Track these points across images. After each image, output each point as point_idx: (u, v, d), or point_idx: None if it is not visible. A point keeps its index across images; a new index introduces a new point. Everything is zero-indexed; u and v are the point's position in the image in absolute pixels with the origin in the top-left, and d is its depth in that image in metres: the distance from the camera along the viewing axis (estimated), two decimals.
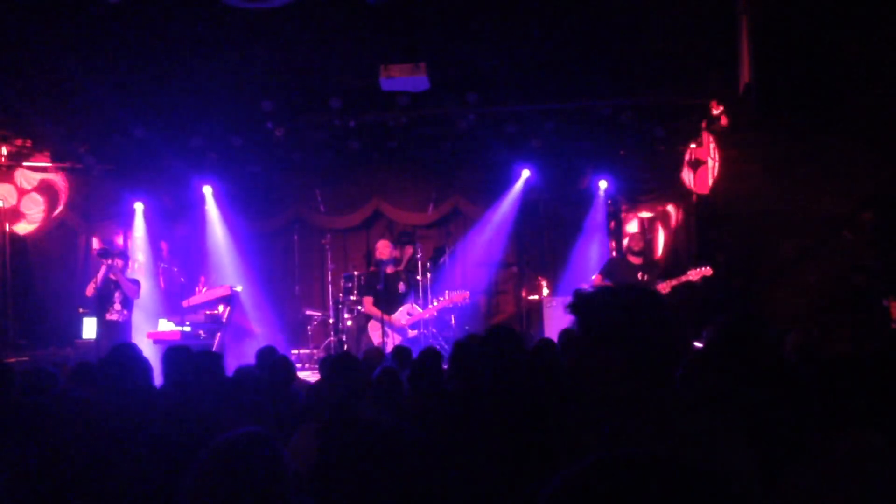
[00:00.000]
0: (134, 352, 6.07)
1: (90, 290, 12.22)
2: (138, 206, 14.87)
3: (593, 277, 12.16)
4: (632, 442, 2.38)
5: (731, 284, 12.98)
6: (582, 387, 2.56)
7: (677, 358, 2.60)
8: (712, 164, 13.18)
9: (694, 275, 11.44)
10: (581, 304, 2.61)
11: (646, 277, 11.63)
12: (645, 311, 2.54)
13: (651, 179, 14.34)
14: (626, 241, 12.33)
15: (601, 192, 14.33)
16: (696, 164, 13.48)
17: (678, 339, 2.66)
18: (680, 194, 13.94)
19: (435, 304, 12.86)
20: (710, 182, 13.17)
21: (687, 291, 11.61)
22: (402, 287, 12.35)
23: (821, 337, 10.51)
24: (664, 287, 11.46)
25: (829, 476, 2.93)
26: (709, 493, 1.40)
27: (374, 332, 12.09)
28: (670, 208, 14.14)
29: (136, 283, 12.44)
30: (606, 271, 12.10)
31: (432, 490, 3.31)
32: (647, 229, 12.13)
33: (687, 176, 13.60)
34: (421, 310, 12.64)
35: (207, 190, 14.91)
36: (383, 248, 12.45)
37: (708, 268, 11.47)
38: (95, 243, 14.53)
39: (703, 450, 2.30)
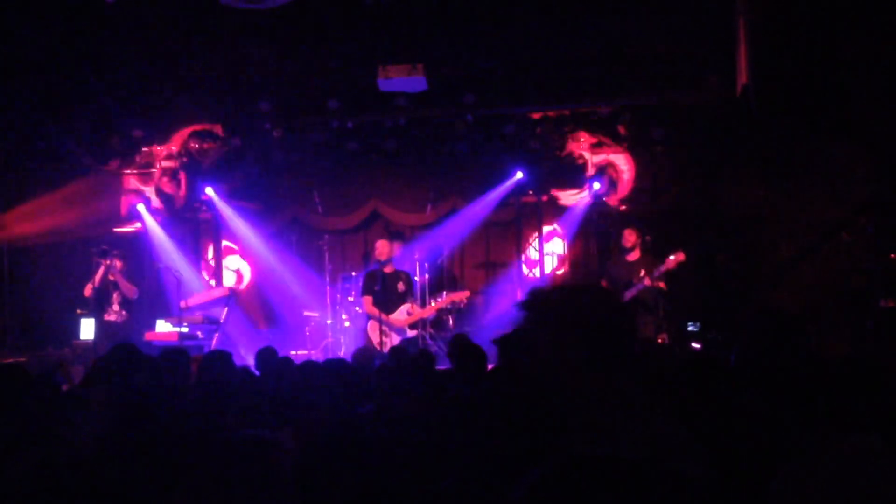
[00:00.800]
0: (135, 352, 6.09)
1: (88, 291, 12.21)
2: (140, 207, 14.84)
3: (601, 283, 12.12)
4: (589, 438, 2.40)
5: (729, 287, 13.00)
6: (540, 383, 2.59)
7: (630, 354, 2.61)
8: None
9: (671, 262, 11.42)
10: (535, 303, 2.65)
11: (642, 273, 11.57)
12: (598, 309, 2.57)
13: (650, 180, 14.33)
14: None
15: (593, 193, 14.30)
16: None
17: (630, 336, 2.71)
18: (675, 196, 13.94)
19: (433, 304, 12.87)
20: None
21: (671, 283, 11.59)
22: (401, 287, 12.35)
23: (819, 339, 10.53)
24: (648, 280, 11.42)
25: (828, 478, 2.93)
26: (669, 495, 1.41)
27: (373, 332, 12.09)
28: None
29: (136, 282, 12.46)
30: (607, 273, 12.10)
31: (423, 491, 3.32)
32: (642, 230, 12.05)
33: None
34: (420, 309, 12.64)
35: (209, 191, 14.88)
36: (382, 248, 12.45)
37: (681, 253, 11.44)
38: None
39: (655, 449, 2.32)
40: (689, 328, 10.61)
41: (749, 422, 3.47)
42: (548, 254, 14.73)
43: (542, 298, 2.67)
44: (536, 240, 14.75)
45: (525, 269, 14.74)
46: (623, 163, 14.27)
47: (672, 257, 11.38)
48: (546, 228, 14.79)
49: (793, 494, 2.95)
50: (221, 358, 6.51)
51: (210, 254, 15.49)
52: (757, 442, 3.39)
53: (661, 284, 11.44)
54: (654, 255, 11.81)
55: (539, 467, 1.45)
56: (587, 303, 2.59)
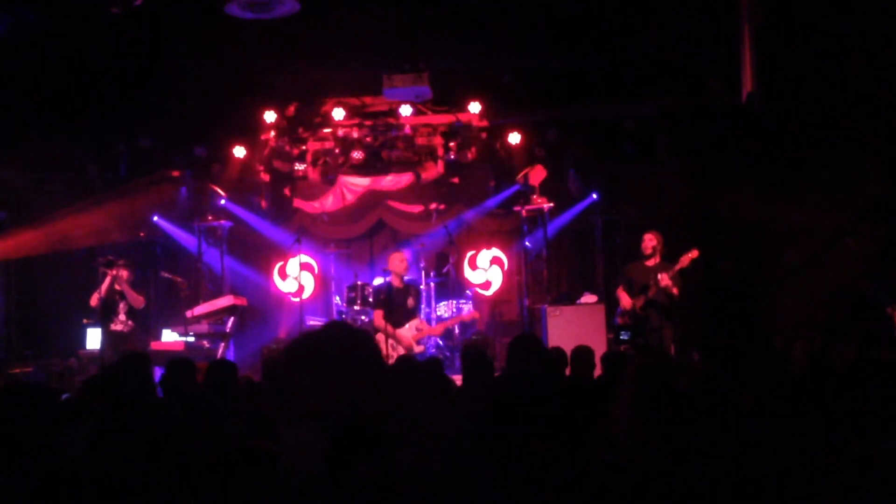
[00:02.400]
0: (143, 362, 6.10)
1: (94, 301, 12.19)
2: (147, 217, 14.84)
3: (619, 287, 12.10)
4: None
5: (735, 293, 12.97)
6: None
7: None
8: None
9: (685, 260, 11.37)
10: (297, 354, 2.85)
11: (660, 277, 11.51)
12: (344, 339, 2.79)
13: (650, 188, 14.32)
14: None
15: (593, 200, 14.30)
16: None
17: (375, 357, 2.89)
18: (679, 203, 13.94)
19: (442, 323, 12.97)
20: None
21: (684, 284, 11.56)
22: (410, 302, 12.32)
23: (825, 345, 10.49)
24: (664, 278, 11.37)
25: (841, 485, 2.92)
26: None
27: (380, 338, 12.08)
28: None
29: (142, 292, 12.47)
30: (625, 279, 12.04)
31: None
32: (652, 236, 11.98)
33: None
34: (430, 326, 12.67)
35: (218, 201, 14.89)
36: (399, 263, 12.36)
37: (695, 250, 11.39)
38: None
39: None
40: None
41: (764, 431, 3.46)
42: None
43: (305, 346, 2.85)
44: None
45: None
46: None
47: (686, 255, 11.34)
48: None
49: (811, 502, 2.94)
50: (225, 368, 6.51)
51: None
52: (774, 450, 3.38)
53: (675, 290, 11.38)
54: (670, 260, 11.79)
55: (564, 472, 1.49)
56: (340, 337, 2.80)
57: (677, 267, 11.35)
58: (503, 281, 15.00)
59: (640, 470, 1.49)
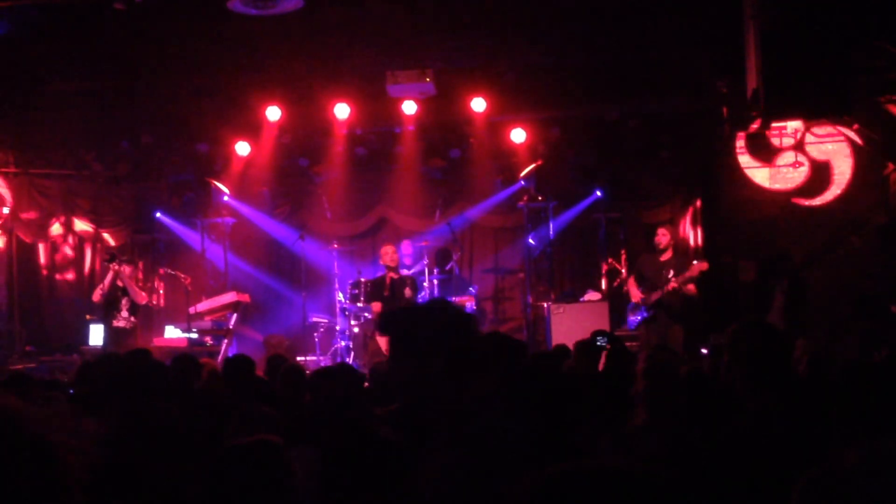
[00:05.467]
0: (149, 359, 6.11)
1: (97, 296, 12.18)
2: (149, 213, 14.84)
3: (629, 280, 12.08)
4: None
5: (738, 291, 12.95)
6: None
7: (485, 362, 2.91)
8: None
9: (694, 270, 11.31)
10: (388, 323, 2.97)
11: (671, 274, 11.48)
12: (445, 322, 2.82)
13: (656, 187, 14.31)
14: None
15: (598, 199, 14.27)
16: None
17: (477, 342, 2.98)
18: (685, 201, 13.93)
19: None
20: None
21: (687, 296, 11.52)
22: (407, 292, 12.34)
23: (828, 344, 10.47)
24: (673, 283, 11.33)
25: (845, 484, 2.91)
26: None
27: (382, 338, 12.08)
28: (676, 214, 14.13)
29: (145, 288, 12.50)
30: (637, 270, 12.00)
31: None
32: (666, 231, 11.94)
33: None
34: None
35: (223, 197, 14.88)
36: (389, 254, 12.46)
37: (704, 262, 11.34)
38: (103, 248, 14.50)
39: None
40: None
41: (769, 430, 3.45)
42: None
43: (394, 318, 2.96)
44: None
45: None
46: None
47: (696, 263, 11.28)
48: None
49: (815, 501, 2.93)
50: (246, 363, 6.55)
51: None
52: (778, 449, 3.37)
53: (692, 287, 11.32)
54: (685, 255, 11.75)
55: (537, 474, 1.50)
56: (434, 318, 2.82)
57: (687, 275, 11.28)
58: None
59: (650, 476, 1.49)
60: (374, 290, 12.47)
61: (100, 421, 4.46)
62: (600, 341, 8.02)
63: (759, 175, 12.70)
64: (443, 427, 2.59)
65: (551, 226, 14.22)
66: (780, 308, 11.38)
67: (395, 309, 2.82)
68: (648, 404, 3.93)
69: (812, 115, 12.01)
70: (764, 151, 12.59)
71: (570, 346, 8.01)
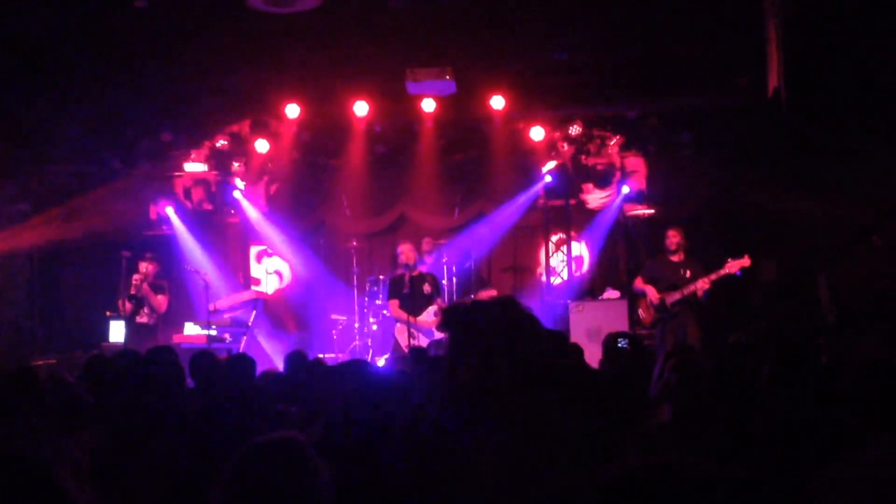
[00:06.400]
0: (171, 355, 6.14)
1: (121, 307, 12.45)
2: (169, 210, 14.89)
3: (636, 280, 12.08)
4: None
5: (757, 290, 12.90)
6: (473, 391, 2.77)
7: (543, 359, 2.89)
8: None
9: (733, 266, 11.33)
10: (453, 321, 2.89)
11: (688, 274, 11.51)
12: (510, 320, 2.81)
13: (675, 185, 14.25)
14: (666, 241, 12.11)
15: (620, 198, 14.21)
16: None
17: (539, 341, 2.93)
18: (703, 199, 13.87)
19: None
20: None
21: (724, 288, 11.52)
22: (427, 289, 12.34)
23: (850, 342, 10.43)
24: (704, 283, 11.36)
25: (862, 480, 2.90)
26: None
27: (401, 336, 12.08)
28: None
29: (164, 296, 12.60)
30: (647, 273, 11.99)
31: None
32: (676, 232, 11.93)
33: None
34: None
35: (237, 194, 14.91)
36: (407, 252, 12.46)
37: (746, 258, 11.34)
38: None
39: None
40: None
41: (786, 425, 3.44)
42: (574, 257, 14.66)
43: (457, 316, 2.82)
44: (556, 244, 14.69)
45: (543, 274, 14.69)
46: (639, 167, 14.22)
47: (735, 261, 11.29)
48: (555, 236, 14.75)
49: (832, 495, 2.92)
50: (244, 362, 6.52)
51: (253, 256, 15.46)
52: (795, 444, 3.36)
53: (707, 286, 11.37)
54: (695, 257, 11.76)
55: (606, 471, 1.49)
56: (499, 315, 2.80)
57: (722, 272, 11.29)
58: None
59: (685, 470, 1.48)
60: (393, 287, 12.46)
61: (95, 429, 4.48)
62: (622, 343, 8.01)
63: None
64: (497, 416, 2.59)
65: (571, 225, 14.22)
66: (828, 303, 11.49)
67: (460, 305, 2.82)
68: (675, 402, 3.92)
69: (835, 115, 11.93)
70: None
71: (590, 343, 7.99)
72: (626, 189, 14.04)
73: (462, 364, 2.79)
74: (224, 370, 6.53)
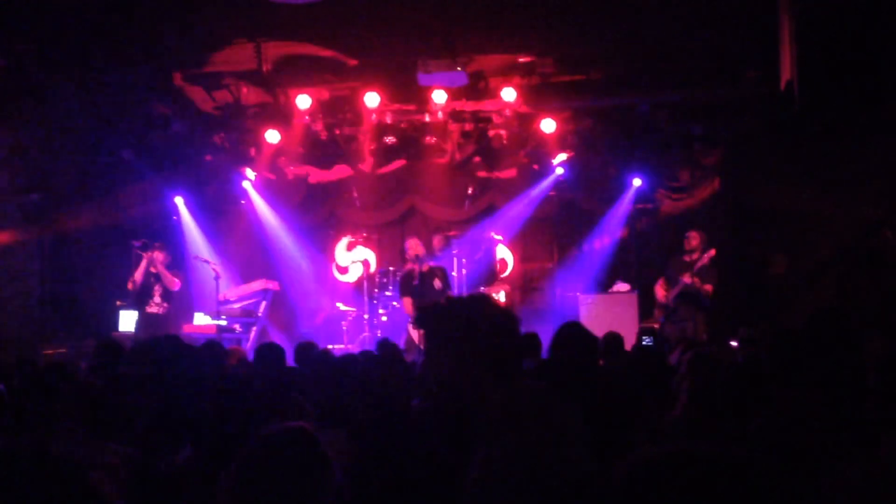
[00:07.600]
0: (180, 343, 6.16)
1: (131, 286, 12.37)
2: (179, 200, 14.90)
3: (658, 281, 12.13)
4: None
5: (767, 284, 12.88)
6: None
7: (519, 353, 2.93)
8: None
9: (705, 258, 11.54)
10: (425, 319, 2.96)
11: (682, 276, 11.62)
12: (480, 315, 2.81)
13: (686, 178, 14.22)
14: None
15: (632, 191, 14.18)
16: None
17: (514, 336, 2.91)
18: (714, 193, 13.83)
19: None
20: None
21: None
22: (437, 284, 12.33)
23: (861, 338, 10.38)
24: (686, 276, 11.53)
25: (877, 476, 2.88)
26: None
27: (414, 331, 12.08)
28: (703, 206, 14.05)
29: (178, 275, 12.61)
30: (666, 272, 12.08)
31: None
32: (697, 234, 11.97)
33: None
34: None
35: (247, 185, 14.92)
36: (415, 247, 12.44)
37: (712, 250, 11.58)
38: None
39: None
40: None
41: (799, 421, 3.43)
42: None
43: (431, 314, 2.94)
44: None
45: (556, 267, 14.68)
46: None
47: (707, 254, 11.53)
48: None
49: (841, 493, 2.91)
50: (273, 351, 6.57)
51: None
52: (808, 442, 3.35)
53: (709, 287, 11.49)
54: (710, 263, 11.85)
55: (624, 462, 1.50)
56: (474, 312, 2.82)
57: (698, 265, 11.49)
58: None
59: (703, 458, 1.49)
60: (404, 282, 12.46)
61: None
62: (646, 340, 8.05)
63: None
64: (487, 416, 2.58)
65: (578, 216, 14.22)
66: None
67: (432, 304, 2.82)
68: (690, 396, 3.91)
69: (848, 109, 11.89)
70: None
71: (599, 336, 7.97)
72: (637, 182, 14.02)
73: (437, 361, 2.82)
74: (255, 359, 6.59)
